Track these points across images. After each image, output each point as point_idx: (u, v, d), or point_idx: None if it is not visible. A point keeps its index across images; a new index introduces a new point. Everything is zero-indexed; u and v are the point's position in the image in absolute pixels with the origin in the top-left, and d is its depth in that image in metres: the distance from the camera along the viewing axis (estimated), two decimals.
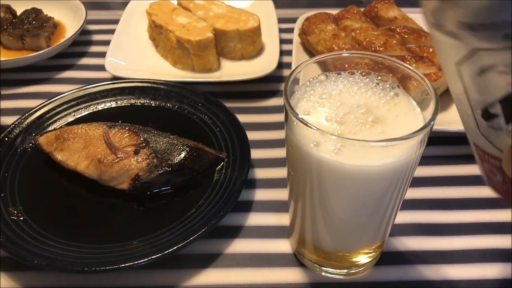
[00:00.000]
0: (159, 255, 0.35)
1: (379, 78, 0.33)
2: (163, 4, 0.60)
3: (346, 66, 0.52)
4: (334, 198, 0.31)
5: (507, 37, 0.22)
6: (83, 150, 0.43)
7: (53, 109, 0.48)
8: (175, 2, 0.62)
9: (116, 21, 0.63)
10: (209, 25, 0.56)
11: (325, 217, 0.33)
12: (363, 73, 0.34)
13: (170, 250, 0.36)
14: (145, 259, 0.35)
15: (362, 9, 0.59)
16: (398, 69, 0.32)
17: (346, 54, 0.34)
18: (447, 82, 0.27)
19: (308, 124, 0.28)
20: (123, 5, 0.66)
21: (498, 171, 0.29)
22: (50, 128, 0.47)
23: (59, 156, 0.43)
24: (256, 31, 0.57)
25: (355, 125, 0.30)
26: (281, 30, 0.63)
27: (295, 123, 0.29)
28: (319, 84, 0.33)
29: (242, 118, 0.51)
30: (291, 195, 0.35)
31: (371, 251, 0.36)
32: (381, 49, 0.53)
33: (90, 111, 0.49)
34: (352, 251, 0.36)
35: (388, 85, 0.32)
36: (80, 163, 0.42)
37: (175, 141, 0.43)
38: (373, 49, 0.53)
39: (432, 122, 0.28)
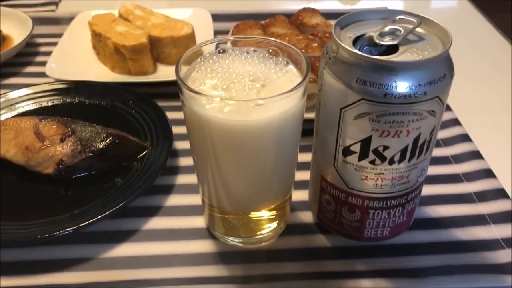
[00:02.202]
0: (74, 227, 0.39)
1: (270, 51, 0.37)
2: (105, 16, 0.64)
3: None
4: (227, 157, 0.34)
5: (386, 95, 0.30)
6: (13, 140, 0.46)
7: None
8: (117, 14, 0.66)
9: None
10: (144, 32, 0.60)
11: (223, 178, 0.36)
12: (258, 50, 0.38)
13: (84, 224, 0.39)
14: (60, 231, 0.38)
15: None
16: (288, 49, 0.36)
17: (231, 38, 0.38)
18: (323, 124, 0.35)
19: (195, 90, 0.32)
20: (72, 20, 0.70)
21: (334, 200, 0.38)
22: None
23: None
24: (189, 38, 0.61)
25: (242, 90, 0.33)
26: None
27: (186, 93, 0.32)
28: (215, 57, 0.37)
29: (174, 115, 0.54)
30: (196, 167, 0.38)
31: (273, 215, 0.39)
32: (303, 51, 0.57)
33: (27, 109, 0.53)
34: (254, 210, 0.38)
35: (280, 59, 0.36)
36: (9, 151, 0.45)
37: (100, 130, 0.46)
38: None
39: (303, 81, 0.32)
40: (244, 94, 0.33)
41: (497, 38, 0.73)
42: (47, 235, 0.38)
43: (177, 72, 0.33)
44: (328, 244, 0.40)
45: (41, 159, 0.44)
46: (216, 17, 0.71)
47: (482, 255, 0.39)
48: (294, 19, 0.64)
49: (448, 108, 0.55)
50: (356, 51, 0.31)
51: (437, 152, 0.49)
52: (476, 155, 0.48)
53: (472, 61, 0.67)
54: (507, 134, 0.53)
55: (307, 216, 0.43)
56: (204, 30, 0.66)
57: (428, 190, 0.45)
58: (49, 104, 0.54)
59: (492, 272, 0.38)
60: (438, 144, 0.51)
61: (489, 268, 0.38)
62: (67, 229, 0.38)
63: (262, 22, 0.64)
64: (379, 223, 0.38)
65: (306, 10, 0.64)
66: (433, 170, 0.47)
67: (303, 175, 0.43)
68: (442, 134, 0.52)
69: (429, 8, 0.83)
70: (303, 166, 0.43)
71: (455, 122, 0.53)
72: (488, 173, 0.46)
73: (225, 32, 0.67)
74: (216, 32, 0.68)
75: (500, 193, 0.44)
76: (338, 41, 0.32)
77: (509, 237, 0.40)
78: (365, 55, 0.30)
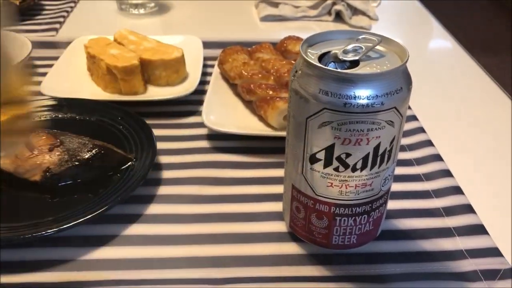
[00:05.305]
0: (54, 230, 0.41)
1: None
2: (101, 40, 0.68)
3: (252, 86, 0.60)
4: None
5: (346, 105, 0.33)
6: None
7: None
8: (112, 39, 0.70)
9: None
10: (136, 55, 0.63)
11: None
12: None
13: (63, 227, 0.41)
14: (41, 233, 0.41)
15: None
16: None
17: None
18: (293, 134, 0.38)
19: None
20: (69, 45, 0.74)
21: (303, 208, 0.40)
22: None
23: None
24: (179, 61, 0.64)
25: None
26: (208, 66, 0.71)
27: None
28: None
29: (160, 131, 0.57)
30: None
31: None
32: (285, 74, 0.60)
33: None
34: None
35: None
36: None
37: (87, 141, 0.48)
38: (278, 74, 0.61)
39: None
40: None
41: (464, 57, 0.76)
42: (29, 235, 0.40)
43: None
44: (298, 251, 0.42)
45: (29, 166, 0.46)
46: (206, 44, 0.74)
47: (446, 264, 0.41)
48: (279, 46, 0.68)
49: (423, 130, 0.58)
50: (319, 64, 0.34)
51: (410, 170, 0.52)
52: (446, 173, 0.51)
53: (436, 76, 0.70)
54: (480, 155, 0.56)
55: (279, 226, 0.45)
56: (195, 55, 0.70)
57: (397, 204, 0.47)
58: (42, 118, 0.56)
59: (454, 279, 0.40)
60: (411, 163, 0.53)
61: (451, 276, 0.40)
62: (48, 231, 0.40)
63: (249, 48, 0.67)
64: (345, 230, 0.40)
65: (290, 38, 0.68)
66: (404, 186, 0.49)
67: (277, 189, 0.45)
68: (415, 154, 0.54)
69: (427, 48, 0.87)
70: (278, 180, 0.45)
71: (429, 143, 0.55)
72: (456, 190, 0.48)
73: (214, 58, 0.71)
74: (206, 58, 0.72)
75: (466, 208, 0.46)
76: (304, 56, 0.35)
77: (472, 248, 0.42)
78: (326, 68, 0.33)
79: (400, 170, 0.51)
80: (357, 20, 0.91)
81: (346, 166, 0.36)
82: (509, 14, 2.83)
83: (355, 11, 0.94)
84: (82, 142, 0.48)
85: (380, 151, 0.36)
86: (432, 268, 0.41)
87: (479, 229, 0.44)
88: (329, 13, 0.93)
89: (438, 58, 0.83)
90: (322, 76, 0.33)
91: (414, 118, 0.60)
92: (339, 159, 0.36)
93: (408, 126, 0.58)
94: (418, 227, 0.45)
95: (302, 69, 0.35)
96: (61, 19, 0.88)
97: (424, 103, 0.65)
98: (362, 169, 0.36)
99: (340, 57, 0.35)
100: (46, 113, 0.57)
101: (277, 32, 0.88)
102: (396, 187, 0.49)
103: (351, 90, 0.33)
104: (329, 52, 0.36)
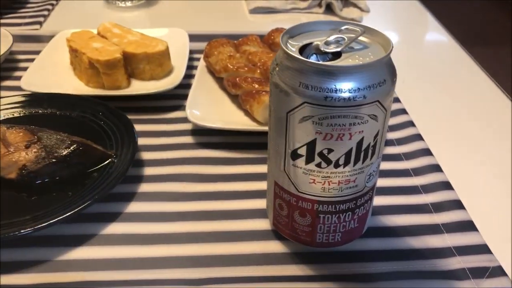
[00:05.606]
0: (27, 230, 0.39)
1: None
2: (83, 33, 0.66)
3: (237, 80, 0.59)
4: None
5: (326, 98, 0.31)
6: None
7: None
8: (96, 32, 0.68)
9: None
10: (119, 48, 0.62)
11: None
12: None
13: (36, 228, 0.40)
14: (14, 233, 0.39)
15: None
16: None
17: None
18: (274, 129, 0.36)
19: None
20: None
21: (286, 205, 0.38)
22: None
23: None
24: (163, 54, 0.63)
25: None
26: (195, 59, 0.70)
27: None
28: None
29: (142, 127, 0.56)
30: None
31: None
32: None
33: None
34: None
35: None
36: None
37: (65, 138, 0.47)
38: (265, 68, 0.59)
39: None
40: None
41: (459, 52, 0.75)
42: (4, 235, 0.39)
43: None
44: (282, 250, 0.41)
45: (4, 164, 0.45)
46: (193, 37, 0.73)
47: (434, 262, 0.40)
48: (266, 39, 0.66)
49: (412, 124, 0.56)
50: (298, 56, 0.32)
51: (398, 165, 0.51)
52: (435, 168, 0.49)
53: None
54: (468, 145, 0.55)
55: (263, 224, 0.43)
56: (181, 49, 0.68)
57: (385, 200, 0.46)
58: (21, 114, 0.55)
59: (442, 277, 0.38)
60: (399, 157, 0.52)
61: (439, 274, 0.39)
62: (23, 231, 0.39)
63: (235, 41, 0.66)
64: (330, 228, 0.38)
65: (278, 30, 0.66)
66: (392, 181, 0.48)
67: (262, 185, 0.44)
68: (404, 148, 0.53)
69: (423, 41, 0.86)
70: (263, 176, 0.44)
71: (418, 137, 0.54)
72: (446, 185, 0.47)
73: (201, 51, 0.69)
74: (193, 51, 0.70)
75: (456, 204, 0.45)
76: (284, 47, 0.33)
77: (461, 245, 0.41)
78: (305, 60, 0.32)
79: (388, 165, 0.50)
80: (348, 12, 0.90)
81: (328, 162, 0.34)
82: (505, 6, 2.81)
83: (346, 2, 0.92)
84: (60, 139, 0.47)
85: (364, 146, 0.34)
86: (419, 266, 0.39)
87: (468, 226, 0.43)
88: (319, 5, 0.91)
89: (430, 51, 0.81)
90: (302, 68, 0.32)
91: (403, 111, 0.59)
92: (321, 154, 0.34)
93: (397, 120, 0.57)
94: (406, 223, 0.43)
95: (282, 61, 0.34)
96: (46, 12, 0.86)
97: (416, 97, 0.63)
98: (345, 165, 0.35)
99: (322, 49, 0.34)
100: (25, 108, 0.55)
101: (266, 24, 0.86)
102: (383, 182, 0.48)
103: (332, 83, 0.31)
104: (310, 43, 0.35)
